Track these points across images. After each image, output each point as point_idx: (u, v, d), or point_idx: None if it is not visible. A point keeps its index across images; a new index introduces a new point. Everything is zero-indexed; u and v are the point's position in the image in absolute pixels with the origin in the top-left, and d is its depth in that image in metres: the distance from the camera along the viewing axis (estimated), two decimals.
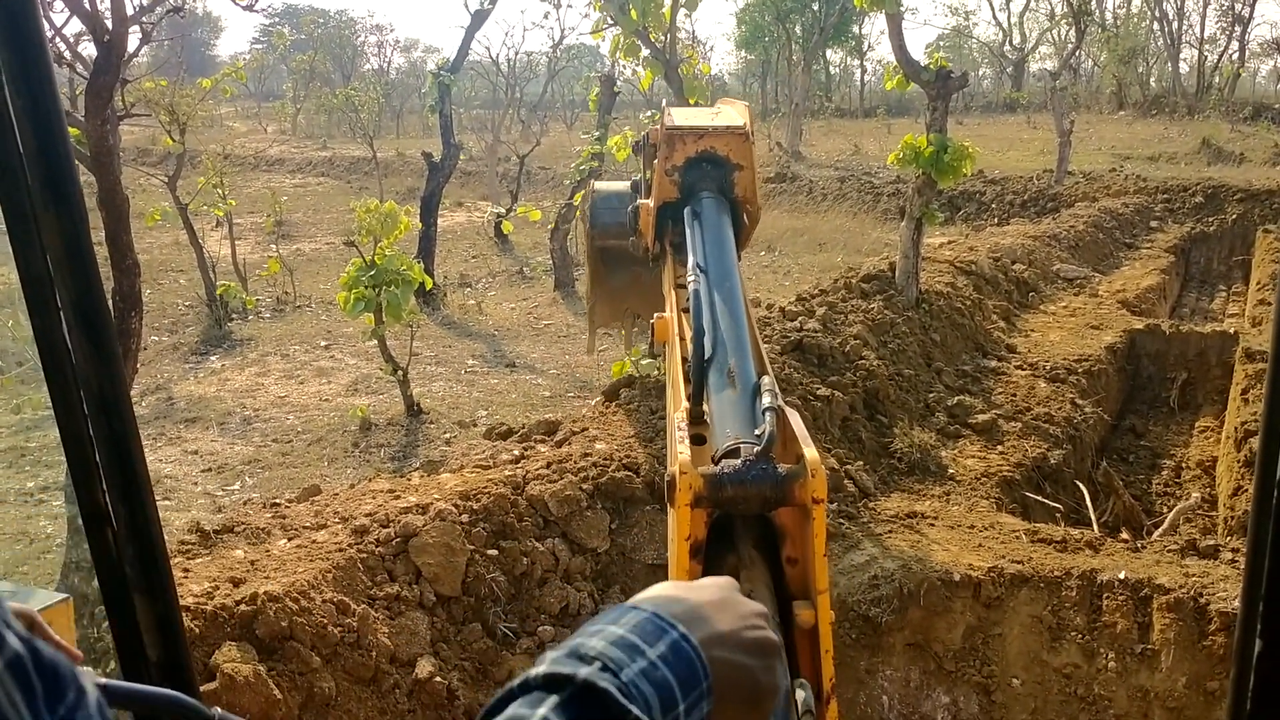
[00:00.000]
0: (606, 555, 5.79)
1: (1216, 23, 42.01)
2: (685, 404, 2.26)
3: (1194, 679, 4.68)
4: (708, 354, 2.34)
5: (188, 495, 7.23)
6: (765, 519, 1.90)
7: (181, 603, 4.20)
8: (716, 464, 1.90)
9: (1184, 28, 42.96)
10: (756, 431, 1.96)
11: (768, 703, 0.99)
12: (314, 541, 5.07)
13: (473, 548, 5.24)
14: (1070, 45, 24.06)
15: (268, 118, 46.13)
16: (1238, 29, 39.96)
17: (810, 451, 1.84)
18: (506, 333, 11.76)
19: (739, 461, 1.87)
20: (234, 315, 12.33)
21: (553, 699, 0.81)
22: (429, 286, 10.23)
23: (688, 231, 3.12)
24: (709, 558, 1.90)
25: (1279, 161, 21.86)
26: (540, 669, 0.85)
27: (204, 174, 13.83)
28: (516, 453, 6.58)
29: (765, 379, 2.17)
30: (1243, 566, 1.04)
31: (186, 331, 11.86)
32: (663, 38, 8.80)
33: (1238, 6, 39.47)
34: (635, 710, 0.82)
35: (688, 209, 3.26)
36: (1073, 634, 5.02)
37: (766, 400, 2.01)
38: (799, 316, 9.66)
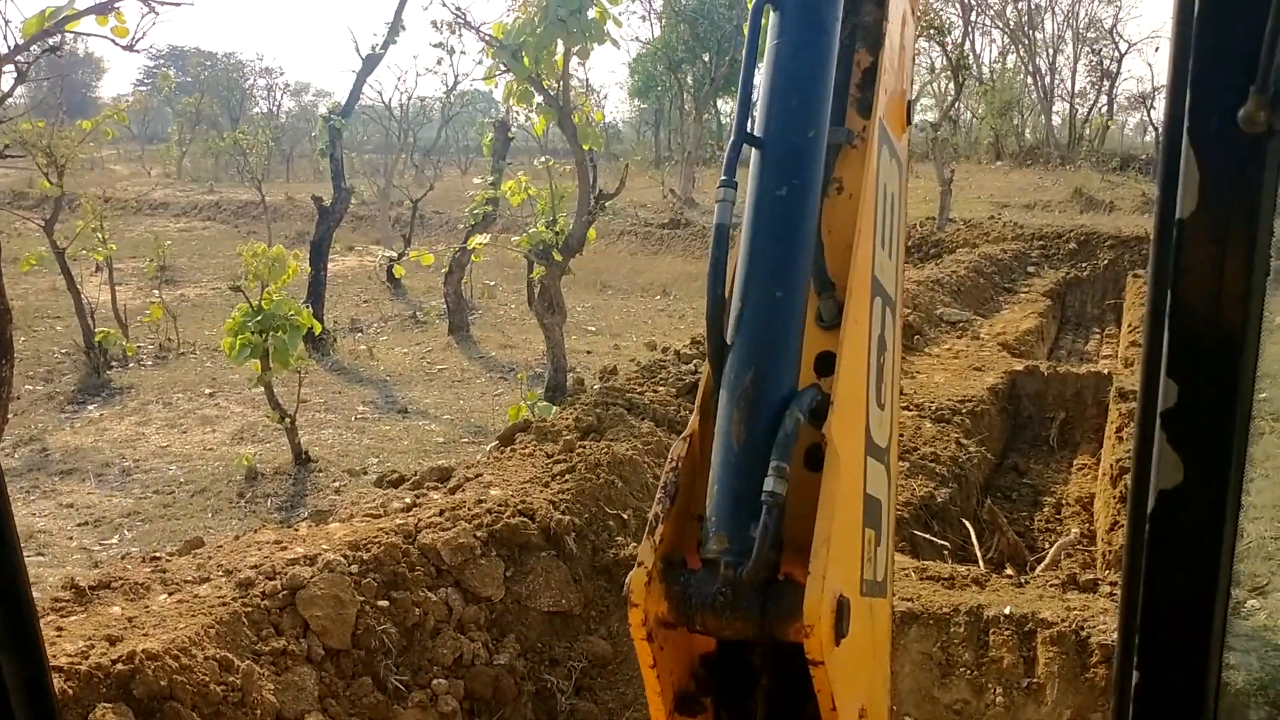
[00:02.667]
0: (501, 604, 5.70)
1: (1086, 77, 44.19)
2: (693, 427, 1.59)
3: (1078, 712, 4.80)
4: (729, 333, 1.53)
5: (62, 550, 6.90)
6: None
7: (53, 663, 3.99)
8: (701, 559, 1.43)
9: (1056, 82, 45.03)
10: (752, 531, 1.37)
11: None
12: (196, 596, 4.88)
13: (363, 599, 5.10)
14: (949, 98, 25.04)
15: (152, 161, 44.93)
16: (1106, 84, 42.12)
17: (814, 586, 1.31)
18: (399, 378, 11.58)
19: (715, 584, 1.39)
20: (114, 363, 11.89)
21: None
22: (318, 331, 10.04)
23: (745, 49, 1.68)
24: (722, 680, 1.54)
25: (1146, 209, 22.97)
26: None
27: (83, 217, 13.38)
28: (408, 500, 6.46)
29: (791, 417, 1.42)
30: (1118, 614, 1.06)
31: (63, 380, 11.39)
32: (556, 84, 8.86)
33: (1106, 63, 41.63)
34: None
35: None
36: (962, 670, 5.11)
37: (769, 484, 1.37)
38: (693, 360, 9.75)
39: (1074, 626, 5.00)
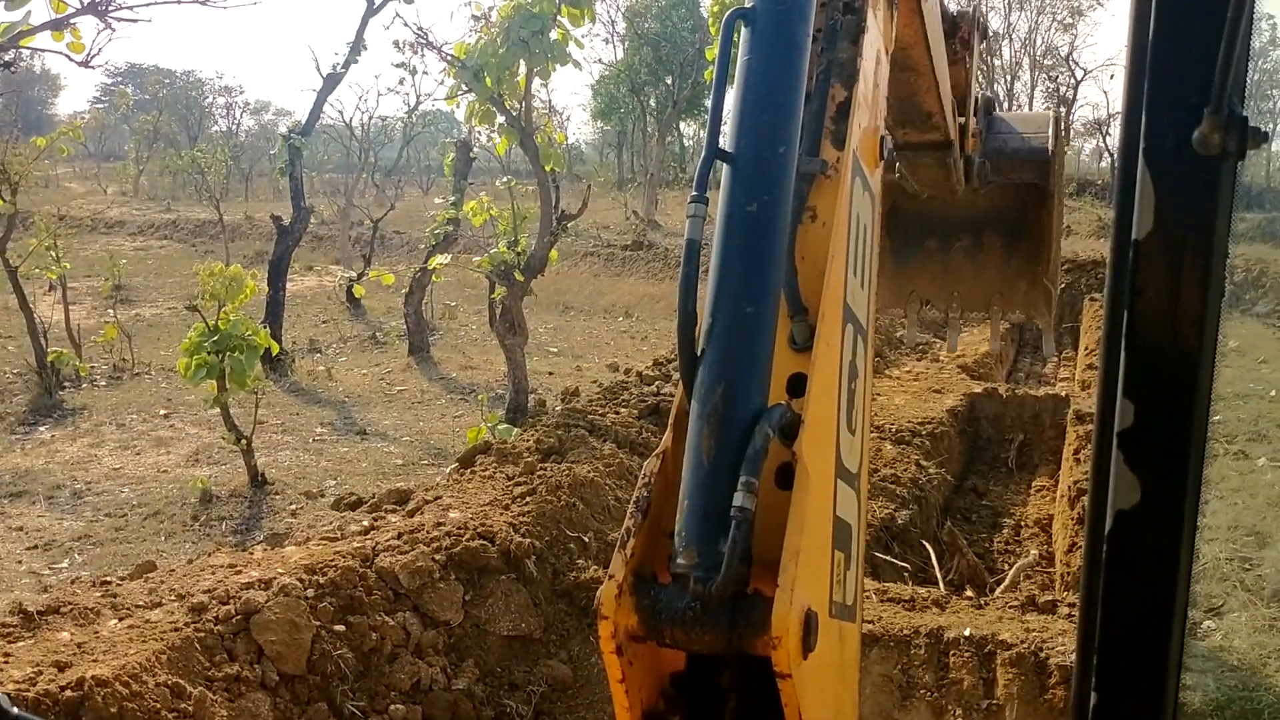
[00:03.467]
0: (460, 628, 5.64)
1: (1043, 104, 44.89)
2: (666, 443, 1.58)
3: None
4: (700, 346, 1.53)
5: (10, 574, 6.75)
6: None
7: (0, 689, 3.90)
8: (671, 574, 1.43)
9: (1014, 107, 45.74)
10: (722, 546, 1.37)
11: None
12: (147, 621, 4.78)
13: (319, 623, 5.03)
14: None
15: (108, 179, 44.40)
16: (1062, 110, 42.79)
17: (782, 597, 1.32)
18: (357, 399, 11.48)
19: (684, 598, 1.39)
20: (66, 383, 11.69)
21: None
22: (275, 352, 9.92)
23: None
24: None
25: (1103, 234, 23.32)
26: None
27: (37, 235, 13.18)
28: (366, 523, 6.39)
29: (760, 433, 1.43)
30: (1076, 636, 1.06)
31: (14, 400, 11.18)
32: (518, 105, 8.87)
33: (1062, 89, 42.31)
34: None
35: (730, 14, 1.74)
36: (922, 692, 5.11)
37: (738, 499, 1.37)
38: (656, 380, 9.76)
39: (1033, 648, 5.03)
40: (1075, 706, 1.05)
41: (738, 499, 1.37)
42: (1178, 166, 1.02)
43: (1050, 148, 4.18)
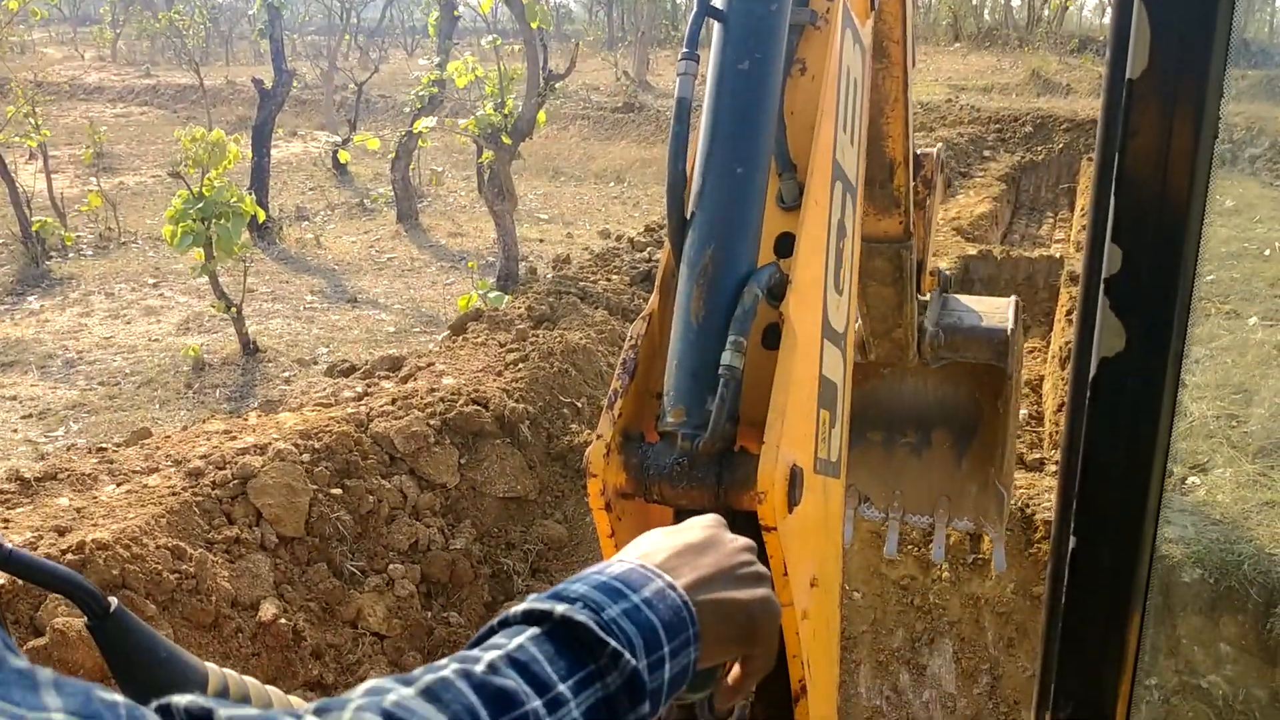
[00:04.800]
0: (456, 490, 5.73)
1: None
2: (653, 305, 1.58)
3: (1021, 585, 4.95)
4: (689, 209, 1.51)
5: (6, 443, 6.81)
6: None
7: None
8: (659, 432, 1.44)
9: None
10: (709, 404, 1.38)
11: (767, 631, 1.00)
12: (145, 486, 4.85)
13: (315, 487, 5.10)
14: None
15: (85, 43, 43.14)
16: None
17: (768, 453, 1.33)
18: (347, 267, 11.41)
19: (672, 454, 1.40)
20: (53, 253, 11.58)
21: (531, 630, 0.82)
22: (262, 219, 9.82)
23: None
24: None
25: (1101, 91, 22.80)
26: (520, 607, 0.85)
27: (14, 103, 12.87)
28: (359, 390, 6.42)
29: (749, 293, 1.43)
30: (1056, 485, 1.06)
31: (0, 271, 11.09)
32: None
33: None
34: (613, 643, 0.82)
35: None
36: (909, 546, 5.23)
37: (726, 358, 1.38)
38: (648, 247, 9.70)
39: (1019, 504, 5.12)
40: (1054, 551, 1.05)
41: (726, 357, 1.37)
42: (1174, 1, 0.98)
43: (1009, 328, 3.88)
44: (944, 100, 20.82)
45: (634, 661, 0.82)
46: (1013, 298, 4.13)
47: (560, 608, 0.83)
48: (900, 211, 3.28)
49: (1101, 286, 1.02)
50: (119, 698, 0.60)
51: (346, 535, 5.11)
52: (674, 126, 1.48)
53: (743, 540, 1.05)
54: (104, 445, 5.72)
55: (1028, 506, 5.09)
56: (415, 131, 11.71)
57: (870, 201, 3.15)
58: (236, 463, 4.97)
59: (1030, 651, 4.75)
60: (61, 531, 4.29)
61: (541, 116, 9.48)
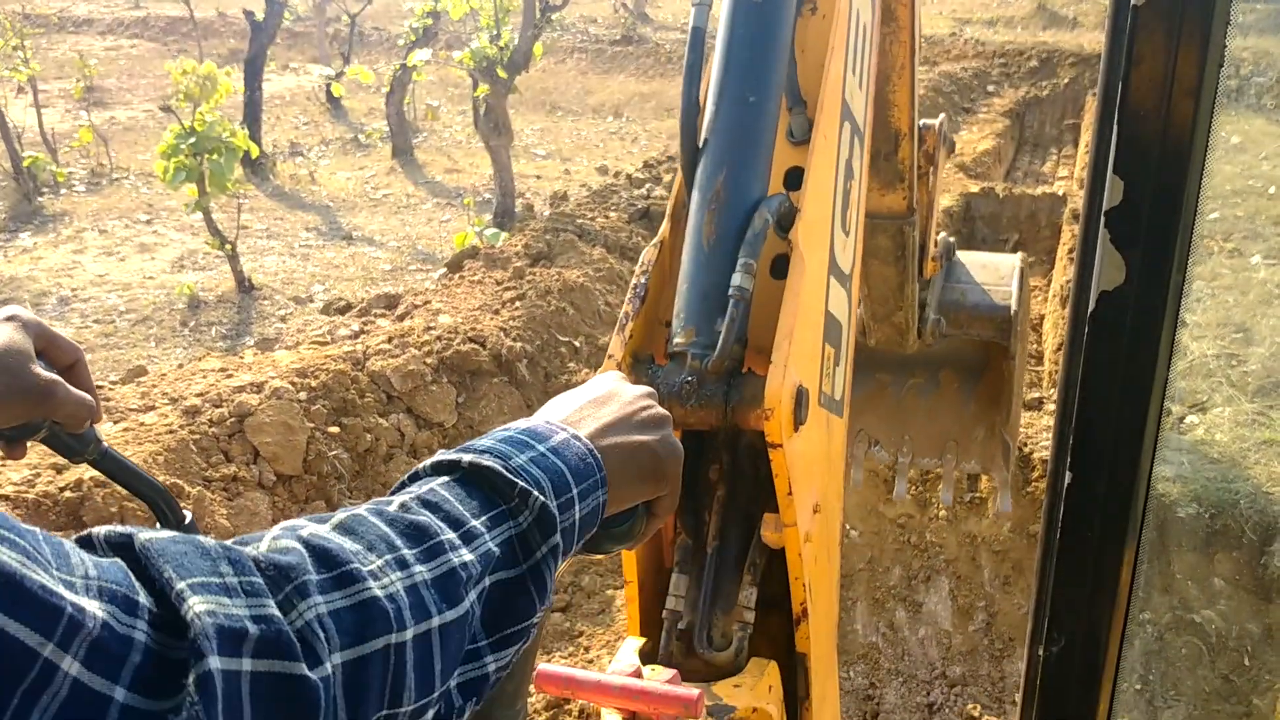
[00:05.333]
0: (454, 429, 5.73)
1: None
2: (664, 233, 1.62)
3: (1018, 523, 4.97)
4: (702, 137, 1.55)
5: None
6: None
7: (0, 491, 3.97)
8: (667, 355, 1.47)
9: None
10: (719, 325, 1.41)
11: (671, 470, 1.05)
12: (141, 424, 4.84)
13: (312, 426, 5.10)
14: None
15: None
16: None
17: (775, 373, 1.36)
18: (342, 204, 11.31)
19: (681, 374, 1.41)
20: (44, 189, 11.47)
21: (441, 478, 0.85)
22: (255, 155, 9.70)
23: None
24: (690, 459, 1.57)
25: None
26: (428, 461, 0.89)
27: (2, 36, 12.68)
28: (356, 328, 6.40)
29: (760, 217, 1.46)
30: (1054, 420, 1.05)
31: None
32: None
33: None
34: (521, 483, 0.84)
35: None
36: (907, 485, 5.24)
37: (736, 279, 1.40)
38: (646, 183, 9.60)
39: (1018, 442, 5.13)
40: (1049, 486, 1.04)
41: (736, 279, 1.40)
42: None
43: (1012, 305, 3.82)
44: (948, 34, 20.53)
45: (543, 499, 0.85)
46: (1018, 259, 4.08)
47: (468, 457, 0.86)
48: (904, 186, 3.30)
49: (1102, 219, 1.00)
50: (38, 529, 0.60)
51: (344, 474, 5.12)
52: (688, 56, 1.53)
53: (642, 388, 1.11)
54: (100, 383, 5.71)
55: (1026, 445, 5.10)
56: (409, 65, 11.56)
57: (875, 175, 3.13)
58: (233, 401, 4.97)
59: (1026, 589, 4.78)
60: (59, 469, 4.29)
61: (538, 49, 9.34)
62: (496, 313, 6.42)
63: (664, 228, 1.63)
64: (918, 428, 4.28)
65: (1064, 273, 8.29)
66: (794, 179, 1.62)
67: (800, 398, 1.37)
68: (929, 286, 3.82)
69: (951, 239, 4.10)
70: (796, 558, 1.43)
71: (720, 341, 1.39)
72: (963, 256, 4.06)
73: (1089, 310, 1.00)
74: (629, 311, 1.53)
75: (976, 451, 4.25)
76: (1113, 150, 1.00)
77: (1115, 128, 1.00)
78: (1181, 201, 1.01)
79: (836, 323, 1.68)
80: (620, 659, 1.40)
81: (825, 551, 1.58)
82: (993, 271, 4.00)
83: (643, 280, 1.57)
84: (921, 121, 3.44)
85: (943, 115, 3.68)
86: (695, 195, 1.51)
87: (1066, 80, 16.47)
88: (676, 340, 1.46)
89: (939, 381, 4.29)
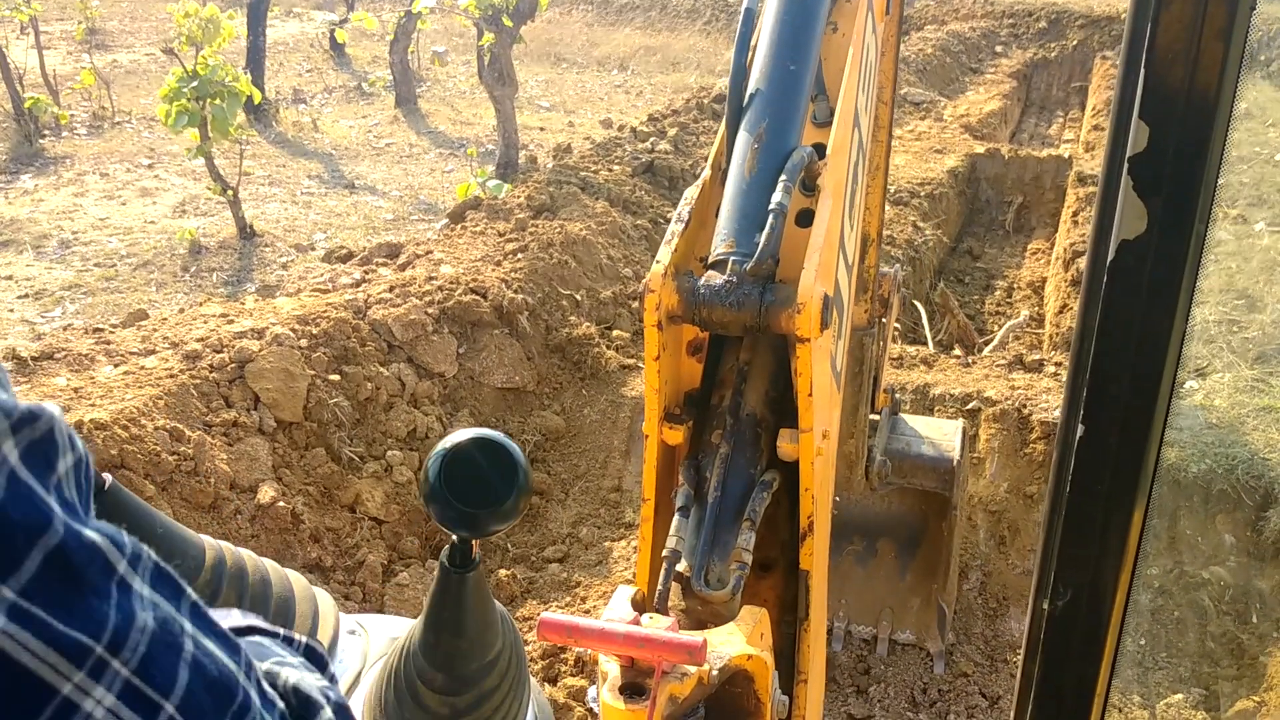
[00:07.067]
0: (455, 379, 5.72)
1: None
2: (705, 178, 1.83)
3: (1015, 484, 4.97)
4: (746, 96, 1.80)
5: (2, 322, 6.79)
6: None
7: None
8: (708, 267, 1.65)
9: None
10: (758, 238, 1.59)
11: None
12: (142, 368, 4.83)
13: (313, 373, 5.09)
14: None
15: None
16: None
17: (807, 275, 1.52)
18: (345, 152, 11.23)
19: (722, 278, 1.58)
20: (46, 132, 11.38)
21: None
22: (258, 101, 9.61)
23: None
24: (712, 361, 1.76)
25: None
26: None
27: None
28: (357, 276, 6.37)
29: (797, 155, 1.68)
30: (1067, 372, 1.03)
31: None
32: None
33: None
34: None
35: None
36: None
37: (777, 196, 1.59)
38: (650, 137, 9.52)
39: (1017, 405, 5.12)
40: (1060, 440, 1.03)
41: (776, 196, 1.60)
42: None
43: (955, 458, 3.95)
44: None
45: None
46: (960, 423, 4.26)
47: None
48: (867, 298, 3.57)
49: (1125, 165, 0.98)
50: None
51: (345, 421, 5.12)
52: (740, 30, 1.80)
53: None
54: (100, 326, 5.69)
55: (1025, 407, 5.09)
56: (414, 12, 11.42)
57: None
58: (234, 346, 4.95)
59: (1021, 550, 4.80)
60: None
61: None
62: (498, 264, 6.39)
63: (705, 172, 1.82)
64: (853, 593, 4.36)
65: (1066, 236, 8.24)
66: (817, 151, 1.82)
67: (827, 303, 1.50)
68: (877, 431, 3.95)
69: (897, 394, 4.31)
70: (809, 467, 1.55)
71: (760, 247, 1.56)
72: (908, 418, 4.23)
73: (1109, 259, 0.98)
74: (675, 230, 1.71)
75: (911, 621, 4.34)
76: (1139, 94, 0.98)
77: (1142, 70, 0.97)
78: (1208, 149, 0.99)
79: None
80: (614, 606, 1.43)
81: (826, 472, 1.70)
82: (937, 429, 4.18)
83: (687, 209, 1.75)
84: (881, 269, 3.72)
85: (897, 265, 3.93)
86: (741, 135, 1.74)
87: (1075, 42, 16.28)
88: (719, 250, 1.63)
89: (876, 550, 4.40)
